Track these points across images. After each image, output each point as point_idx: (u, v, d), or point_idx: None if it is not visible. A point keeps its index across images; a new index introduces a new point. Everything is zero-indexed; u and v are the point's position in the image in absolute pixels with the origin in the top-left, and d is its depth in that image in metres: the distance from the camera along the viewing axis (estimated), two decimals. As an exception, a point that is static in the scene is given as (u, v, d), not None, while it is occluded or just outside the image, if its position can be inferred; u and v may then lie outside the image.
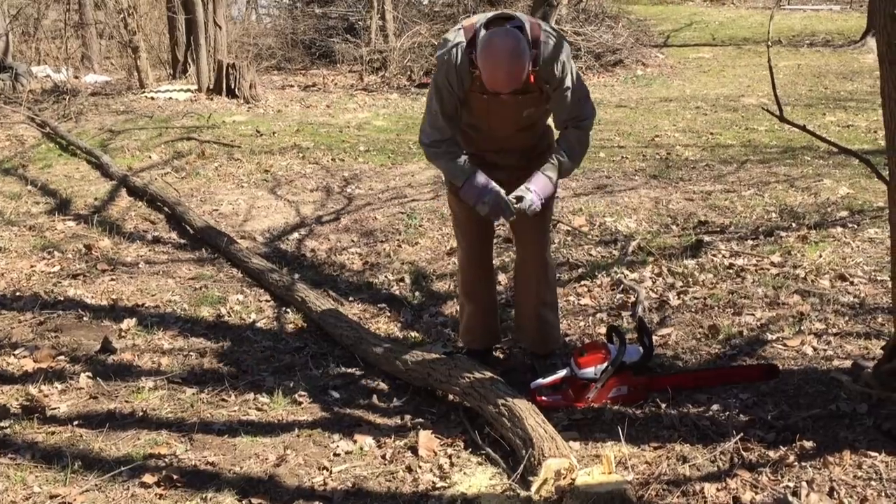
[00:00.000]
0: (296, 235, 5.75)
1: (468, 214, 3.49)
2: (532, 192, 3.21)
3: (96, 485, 2.90)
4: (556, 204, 5.90)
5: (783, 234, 5.00)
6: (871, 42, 13.21)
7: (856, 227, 5.04)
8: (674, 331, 3.89)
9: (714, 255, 4.75)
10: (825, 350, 3.54)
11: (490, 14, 3.15)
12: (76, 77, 12.98)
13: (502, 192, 3.21)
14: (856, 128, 8.15)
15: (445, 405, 3.39)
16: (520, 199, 3.21)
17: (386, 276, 4.88)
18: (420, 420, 3.26)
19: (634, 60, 13.18)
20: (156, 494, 2.85)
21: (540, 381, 3.32)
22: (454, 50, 3.11)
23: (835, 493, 2.48)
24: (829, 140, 3.09)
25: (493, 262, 3.76)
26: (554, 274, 3.67)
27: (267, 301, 4.60)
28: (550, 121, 3.41)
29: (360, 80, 12.30)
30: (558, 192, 6.19)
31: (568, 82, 3.12)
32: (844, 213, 5.34)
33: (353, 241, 5.56)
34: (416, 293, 4.63)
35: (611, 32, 13.53)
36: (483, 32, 3.04)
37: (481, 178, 3.23)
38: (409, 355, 3.55)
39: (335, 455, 3.05)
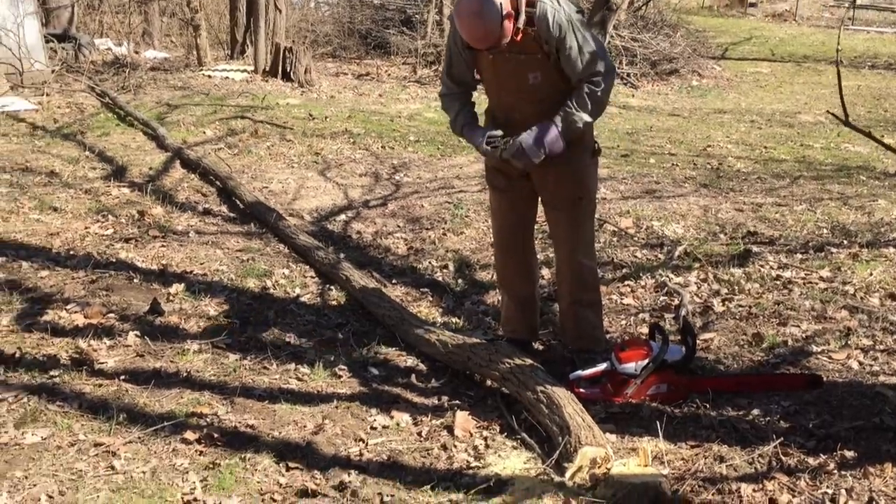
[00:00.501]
0: (343, 217, 5.81)
1: (498, 204, 3.55)
2: (529, 134, 3.22)
3: (139, 437, 2.98)
4: (604, 205, 5.89)
5: (834, 250, 4.93)
6: (936, 67, 12.98)
7: (909, 248, 4.95)
8: (717, 336, 3.86)
9: (762, 266, 4.70)
10: (871, 365, 3.49)
11: None
12: (136, 52, 13.22)
13: (493, 132, 3.31)
14: (914, 151, 8.00)
15: (483, 389, 3.41)
16: (505, 139, 3.27)
17: (430, 262, 4.91)
18: (457, 402, 3.29)
19: (690, 71, 13.05)
20: (196, 451, 2.91)
21: (579, 372, 3.32)
22: None
23: (874, 502, 2.45)
24: (890, 147, 3.05)
25: (535, 255, 3.73)
26: (593, 274, 3.58)
27: (312, 277, 4.66)
28: None
29: (413, 73, 12.36)
30: (606, 194, 6.21)
31: (570, 41, 3.11)
32: (898, 234, 5.25)
33: (398, 226, 5.60)
34: (459, 280, 4.66)
35: (668, 41, 13.41)
36: None
37: (479, 128, 3.37)
38: (450, 338, 3.57)
39: (372, 428, 3.09)
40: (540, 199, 3.51)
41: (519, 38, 3.11)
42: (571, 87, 3.23)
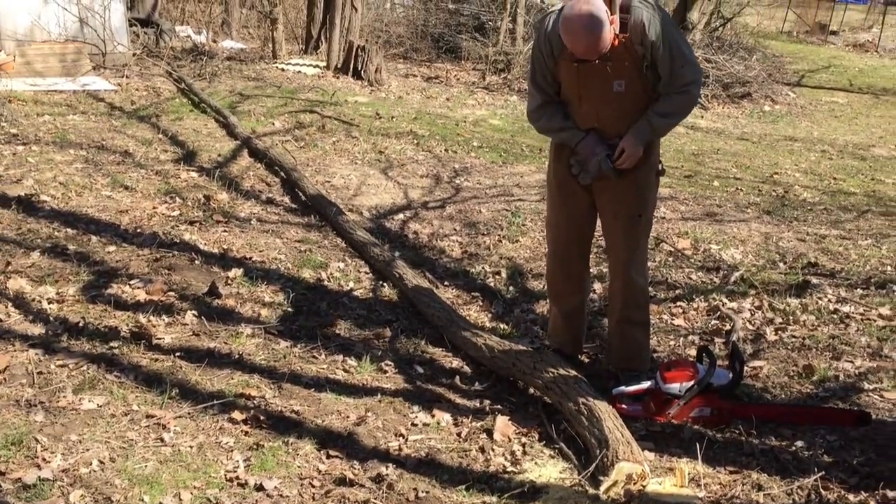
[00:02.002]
0: (401, 216, 5.89)
1: (556, 216, 3.54)
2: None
3: (189, 413, 3.08)
4: (662, 224, 5.85)
5: (896, 288, 4.82)
6: None
7: (976, 292, 4.81)
8: (766, 364, 3.82)
9: (819, 298, 4.62)
10: (924, 408, 3.42)
11: None
12: (214, 41, 13.56)
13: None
14: None
15: (525, 397, 3.43)
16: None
17: (483, 268, 4.95)
18: (498, 406, 3.32)
19: (763, 95, 12.84)
20: (242, 431, 3.01)
21: (623, 388, 3.32)
22: (548, 17, 3.23)
23: (913, 546, 2.41)
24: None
25: (588, 268, 3.73)
26: (644, 293, 3.57)
27: (366, 273, 4.74)
28: None
29: (482, 79, 12.42)
30: (665, 213, 6.17)
31: (663, 49, 3.10)
32: (966, 277, 5.10)
33: (455, 229, 5.65)
34: (511, 288, 4.68)
35: (743, 64, 13.22)
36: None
37: (594, 138, 3.30)
38: (496, 343, 3.61)
39: (413, 425, 3.15)
40: (598, 212, 3.52)
41: (616, 44, 3.11)
42: (655, 94, 3.23)
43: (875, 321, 4.34)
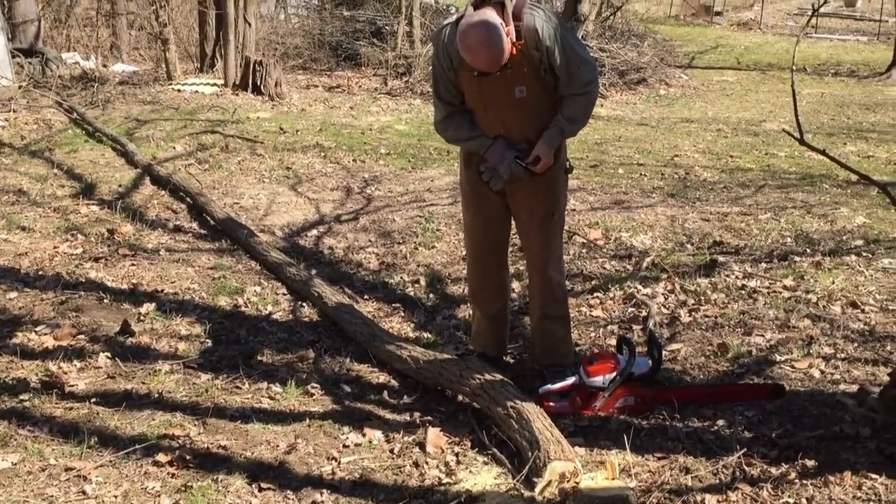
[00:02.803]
0: (314, 232, 5.83)
1: (472, 220, 3.58)
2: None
3: (111, 461, 2.98)
4: (573, 216, 5.96)
5: (797, 259, 5.03)
6: (897, 74, 13.28)
7: (870, 256, 5.07)
8: (683, 347, 3.94)
9: (727, 276, 4.79)
10: (832, 374, 3.58)
11: None
12: (104, 66, 13.13)
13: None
14: (876, 158, 8.17)
15: (454, 405, 3.45)
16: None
17: (401, 277, 4.94)
18: (429, 418, 3.32)
19: (658, 80, 13.21)
20: (168, 473, 2.92)
21: (548, 386, 3.37)
22: (444, 30, 3.26)
23: (834, 511, 2.53)
24: (846, 165, 3.14)
25: (507, 270, 3.77)
26: (563, 289, 3.64)
27: (284, 294, 4.67)
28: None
29: (384, 84, 12.39)
30: (575, 205, 6.29)
31: (562, 51, 3.16)
32: (860, 242, 5.37)
33: (370, 240, 5.63)
34: (431, 295, 4.69)
35: (636, 51, 13.56)
36: (469, 10, 3.13)
37: (501, 145, 3.33)
38: (421, 354, 3.61)
39: (344, 446, 3.12)
40: (513, 214, 3.56)
41: (514, 52, 3.14)
42: (558, 98, 3.28)
43: (780, 293, 4.52)
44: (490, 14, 3.06)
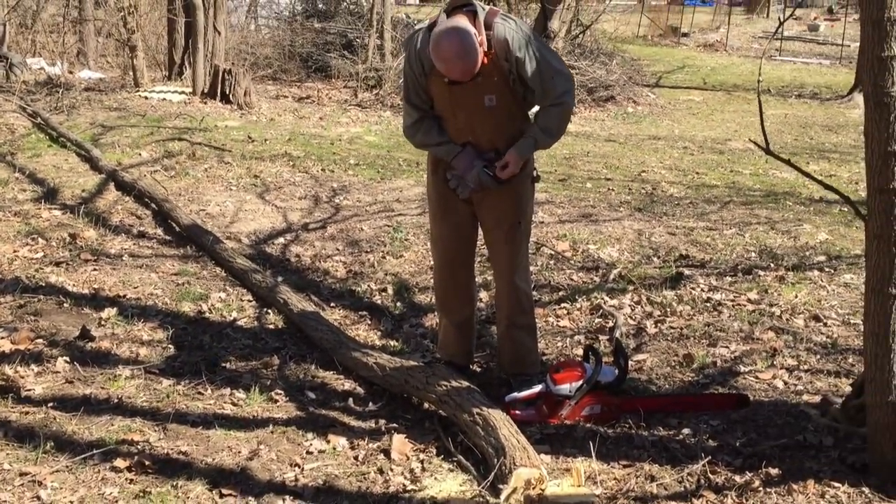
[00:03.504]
0: (281, 240, 5.78)
1: (440, 229, 3.57)
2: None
3: (67, 466, 2.91)
4: (541, 228, 5.98)
5: (761, 273, 5.09)
6: (858, 97, 13.50)
7: (832, 271, 5.14)
8: (649, 357, 3.95)
9: (693, 289, 4.83)
10: (796, 385, 3.62)
11: None
12: (70, 72, 12.96)
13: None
14: (838, 178, 8.31)
15: (420, 412, 3.42)
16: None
17: (369, 286, 4.91)
18: (394, 425, 3.29)
19: (626, 98, 13.35)
20: (126, 479, 2.86)
21: (515, 394, 3.36)
22: (416, 35, 3.26)
23: (797, 518, 2.54)
24: (811, 175, 3.20)
25: (474, 279, 3.76)
26: (529, 298, 3.63)
27: (249, 301, 4.62)
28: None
29: (354, 96, 12.38)
30: (543, 218, 6.31)
31: (530, 64, 3.16)
32: (822, 258, 5.44)
33: (338, 249, 5.59)
34: (398, 304, 4.67)
35: (604, 69, 13.71)
36: (442, 17, 3.12)
37: (470, 152, 3.31)
38: (387, 361, 3.58)
39: (308, 453, 3.08)
40: (479, 222, 3.55)
41: (486, 62, 3.13)
42: (528, 106, 3.28)
43: (745, 306, 4.57)
44: (463, 21, 3.06)
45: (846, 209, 6.46)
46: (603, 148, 9.72)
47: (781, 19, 3.89)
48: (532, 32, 3.27)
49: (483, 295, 4.65)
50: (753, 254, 5.58)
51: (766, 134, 3.11)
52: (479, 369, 3.85)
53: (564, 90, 3.26)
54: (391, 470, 2.95)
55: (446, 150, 3.37)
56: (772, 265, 5.26)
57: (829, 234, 6.04)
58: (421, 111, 3.36)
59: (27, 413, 3.25)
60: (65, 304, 4.36)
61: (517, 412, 3.29)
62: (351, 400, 3.51)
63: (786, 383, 3.63)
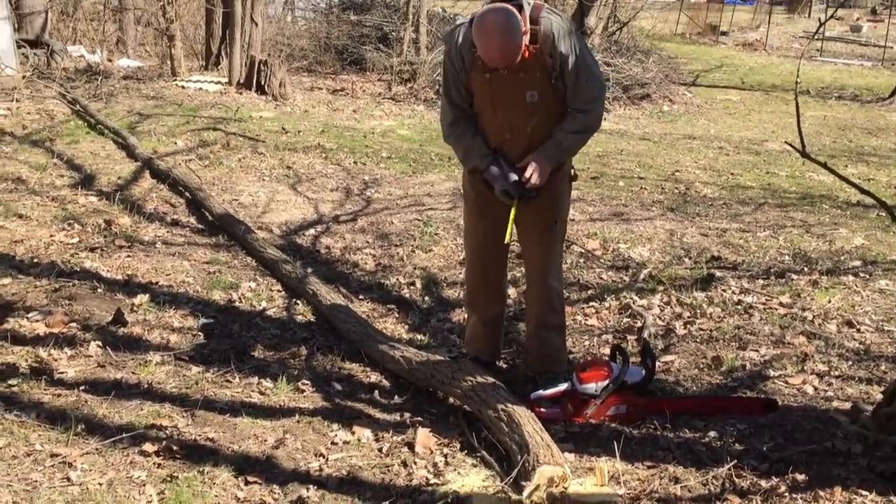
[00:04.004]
0: (312, 231, 5.81)
1: (475, 226, 3.54)
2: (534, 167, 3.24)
3: (97, 448, 2.96)
4: (572, 226, 5.95)
5: (794, 276, 5.03)
6: (899, 100, 13.30)
7: (867, 277, 5.06)
8: (677, 358, 3.92)
9: (724, 290, 4.78)
10: (826, 391, 3.57)
11: None
12: (109, 60, 13.14)
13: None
14: (876, 182, 8.17)
15: (445, 407, 3.43)
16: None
17: (397, 279, 4.93)
18: (419, 418, 3.30)
19: (662, 96, 13.24)
20: (154, 463, 2.90)
21: (540, 392, 3.36)
22: (457, 29, 3.23)
23: (823, 526, 2.51)
24: (848, 179, 3.14)
25: (506, 277, 3.74)
26: (560, 297, 3.61)
27: (278, 291, 4.66)
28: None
29: (388, 90, 12.40)
30: (574, 215, 6.28)
31: (572, 60, 3.12)
32: (857, 263, 5.36)
33: (367, 242, 5.62)
34: (426, 298, 4.68)
35: (641, 66, 13.60)
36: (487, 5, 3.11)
37: (498, 166, 3.27)
38: (414, 355, 3.59)
39: (333, 444, 3.10)
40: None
41: (527, 55, 3.11)
42: (566, 107, 3.24)
43: (776, 310, 4.51)
44: (511, 9, 3.04)
45: (883, 214, 6.35)
46: (637, 146, 9.64)
47: (823, 19, 3.82)
48: (577, 31, 3.24)
49: (511, 291, 4.64)
50: (787, 257, 5.50)
51: (803, 136, 3.06)
52: (505, 366, 3.85)
53: (595, 96, 3.23)
54: (415, 463, 2.96)
55: (475, 158, 3.32)
56: (805, 269, 5.18)
57: (865, 238, 5.94)
58: (459, 109, 3.33)
59: (59, 395, 3.31)
60: (98, 290, 4.43)
61: (542, 410, 3.28)
62: (377, 392, 3.53)
63: (816, 389, 3.58)
